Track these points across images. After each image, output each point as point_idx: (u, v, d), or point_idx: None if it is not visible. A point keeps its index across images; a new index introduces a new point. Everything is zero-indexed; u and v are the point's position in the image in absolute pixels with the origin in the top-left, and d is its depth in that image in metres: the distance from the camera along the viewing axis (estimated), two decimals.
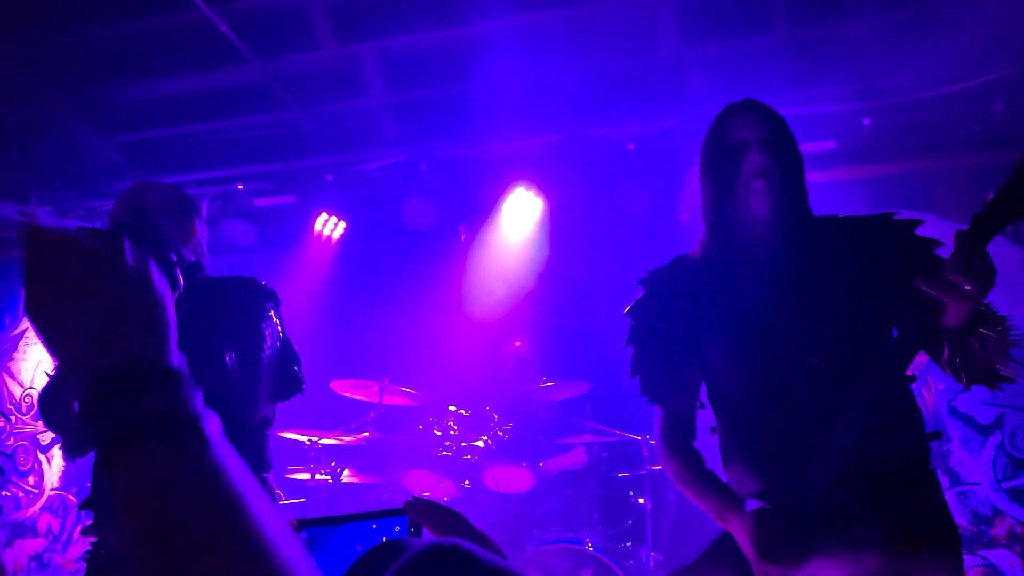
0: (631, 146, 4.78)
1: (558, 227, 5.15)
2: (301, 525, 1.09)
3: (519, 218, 5.20)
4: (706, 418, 2.02)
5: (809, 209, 1.89)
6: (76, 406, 0.72)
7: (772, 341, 1.81)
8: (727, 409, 1.94)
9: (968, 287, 1.47)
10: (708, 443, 2.00)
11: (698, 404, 2.01)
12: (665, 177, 4.62)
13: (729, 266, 1.91)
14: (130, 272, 0.75)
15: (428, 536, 1.05)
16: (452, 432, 4.38)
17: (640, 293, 2.08)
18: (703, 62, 4.50)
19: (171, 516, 0.66)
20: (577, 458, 4.32)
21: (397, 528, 1.11)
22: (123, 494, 0.67)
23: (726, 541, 1.77)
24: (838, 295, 1.78)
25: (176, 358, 0.75)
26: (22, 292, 0.74)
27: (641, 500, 4.14)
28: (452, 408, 4.49)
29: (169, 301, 0.77)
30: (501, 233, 5.26)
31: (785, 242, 1.83)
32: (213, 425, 0.72)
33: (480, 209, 5.30)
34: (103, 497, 2.07)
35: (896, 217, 1.84)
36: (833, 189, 3.93)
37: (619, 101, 4.64)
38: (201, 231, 2.34)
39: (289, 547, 0.68)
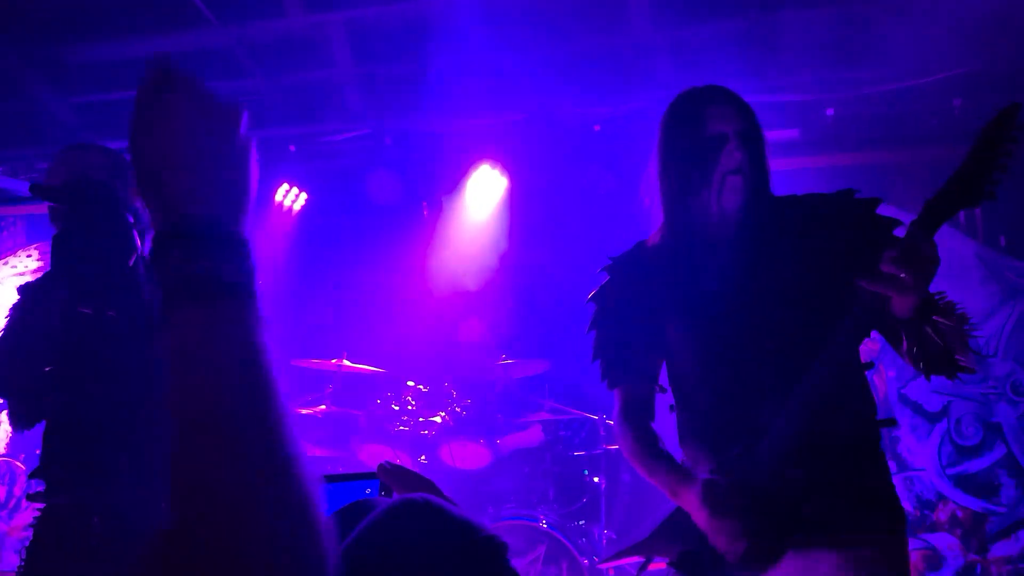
0: (597, 127, 4.79)
1: (521, 206, 5.15)
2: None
3: (483, 195, 5.19)
4: (666, 398, 2.05)
5: (771, 194, 1.91)
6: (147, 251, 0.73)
7: (728, 324, 1.83)
8: (684, 390, 1.97)
9: (904, 275, 1.48)
10: (666, 422, 2.02)
11: (657, 388, 2.04)
12: (631, 160, 4.63)
13: (689, 252, 1.92)
14: (241, 142, 0.77)
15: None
16: (410, 407, 4.39)
17: (603, 279, 2.09)
18: (672, 45, 4.50)
19: (207, 368, 0.69)
20: (534, 436, 4.34)
21: (368, 491, 1.12)
22: (171, 341, 0.70)
23: (677, 517, 1.80)
24: (795, 278, 1.80)
25: (248, 230, 0.77)
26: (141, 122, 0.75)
27: (596, 479, 4.19)
28: (411, 383, 4.49)
29: (255, 177, 0.79)
30: (464, 210, 5.25)
31: (747, 228, 1.85)
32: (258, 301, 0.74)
33: (444, 185, 5.27)
34: (53, 465, 2.04)
35: (857, 196, 1.85)
36: (795, 176, 3.97)
37: (587, 81, 4.63)
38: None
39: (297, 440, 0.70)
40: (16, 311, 2.09)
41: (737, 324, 1.82)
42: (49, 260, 1.97)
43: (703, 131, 1.83)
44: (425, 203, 5.31)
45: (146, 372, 1.93)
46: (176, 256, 0.71)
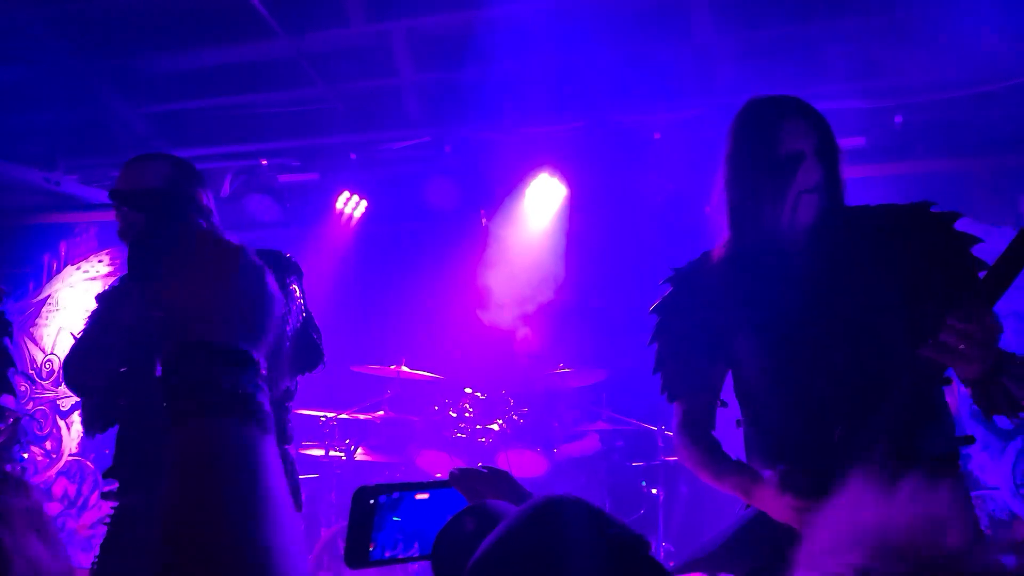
0: (657, 135, 4.74)
1: (580, 214, 5.13)
2: (377, 490, 1.10)
3: (541, 203, 5.19)
4: (729, 412, 2.02)
5: (844, 206, 1.86)
6: (159, 368, 0.78)
7: (802, 341, 1.79)
8: (753, 406, 1.93)
9: (964, 347, 1.44)
10: (728, 438, 1.99)
11: (718, 402, 2.01)
12: (690, 167, 4.58)
13: (759, 265, 1.89)
14: (250, 270, 0.84)
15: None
16: (467, 414, 4.39)
17: (666, 290, 2.07)
18: (735, 50, 4.44)
19: (204, 484, 0.72)
20: (591, 445, 4.32)
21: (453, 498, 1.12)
22: (176, 453, 0.74)
23: (745, 531, 1.77)
24: (868, 294, 1.76)
25: (264, 354, 0.82)
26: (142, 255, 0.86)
27: (654, 490, 4.15)
28: (468, 391, 4.50)
29: (277, 304, 0.86)
30: (523, 218, 5.25)
31: (820, 242, 1.80)
32: (269, 421, 0.78)
33: (502, 193, 5.28)
34: (127, 464, 2.09)
35: (933, 209, 1.79)
36: (862, 185, 3.87)
37: (647, 88, 4.59)
38: (209, 202, 2.33)
39: (296, 557, 0.72)
40: (93, 315, 2.15)
41: (811, 341, 1.78)
42: (124, 265, 2.03)
43: (778, 147, 1.78)
44: (483, 211, 5.33)
45: None
46: (183, 374, 0.76)
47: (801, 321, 1.79)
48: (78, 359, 2.09)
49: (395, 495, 1.11)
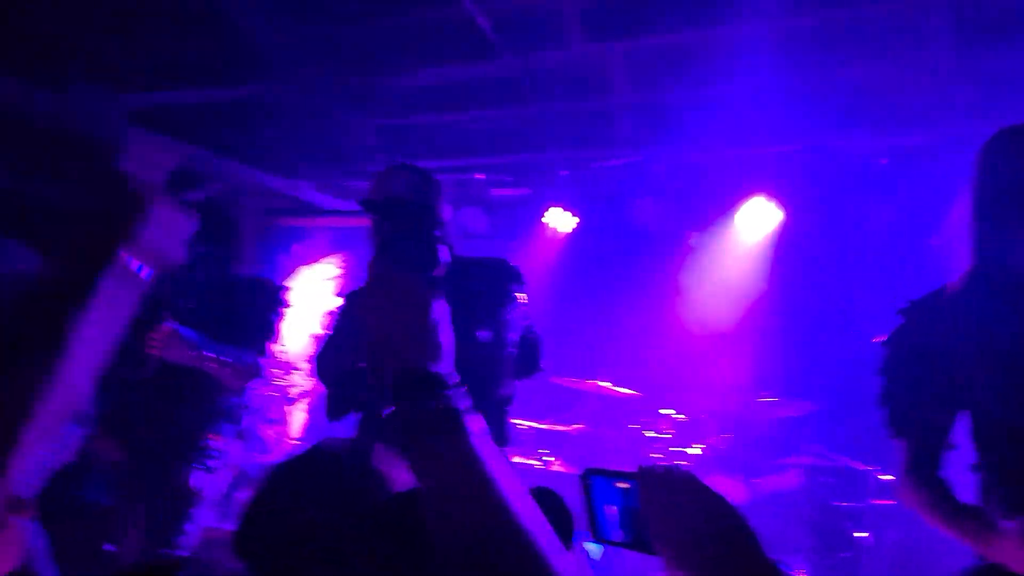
0: (884, 161, 4.50)
1: (794, 240, 4.95)
2: (588, 473, 1.20)
3: (753, 227, 5.06)
4: (960, 455, 1.90)
5: None
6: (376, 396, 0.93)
7: None
8: (995, 452, 1.80)
9: None
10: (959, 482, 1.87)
11: (948, 444, 1.89)
12: (922, 196, 4.31)
13: (1007, 303, 1.76)
14: (420, 302, 0.96)
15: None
16: (666, 435, 4.36)
17: (899, 322, 1.97)
18: (974, 73, 4.14)
19: (446, 490, 0.85)
20: (792, 480, 4.16)
21: (627, 487, 1.17)
22: (415, 468, 0.88)
23: None
24: None
25: (450, 369, 0.95)
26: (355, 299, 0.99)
27: (861, 534, 3.92)
28: (668, 411, 4.46)
29: (449, 328, 0.98)
30: (732, 241, 5.15)
31: None
32: (476, 423, 0.89)
33: (712, 214, 5.21)
34: None
35: None
36: None
37: (875, 111, 4.37)
38: (447, 213, 2.48)
39: (543, 533, 0.83)
40: (341, 314, 2.36)
41: None
42: (361, 266, 2.21)
43: None
44: (692, 231, 5.28)
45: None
46: (404, 402, 0.89)
47: None
48: (327, 354, 2.29)
49: (607, 480, 1.19)
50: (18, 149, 4.04)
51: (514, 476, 0.87)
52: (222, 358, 2.51)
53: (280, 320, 2.88)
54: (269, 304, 2.81)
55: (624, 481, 1.17)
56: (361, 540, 0.94)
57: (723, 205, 5.12)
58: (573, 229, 5.60)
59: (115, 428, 2.59)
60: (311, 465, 1.05)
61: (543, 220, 5.57)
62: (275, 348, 2.90)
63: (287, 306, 2.89)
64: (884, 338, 2.00)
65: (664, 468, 1.14)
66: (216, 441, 2.69)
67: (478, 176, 5.64)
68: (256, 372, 2.68)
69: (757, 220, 5.01)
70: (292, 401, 5.86)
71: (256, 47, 4.53)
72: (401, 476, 1.04)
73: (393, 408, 0.89)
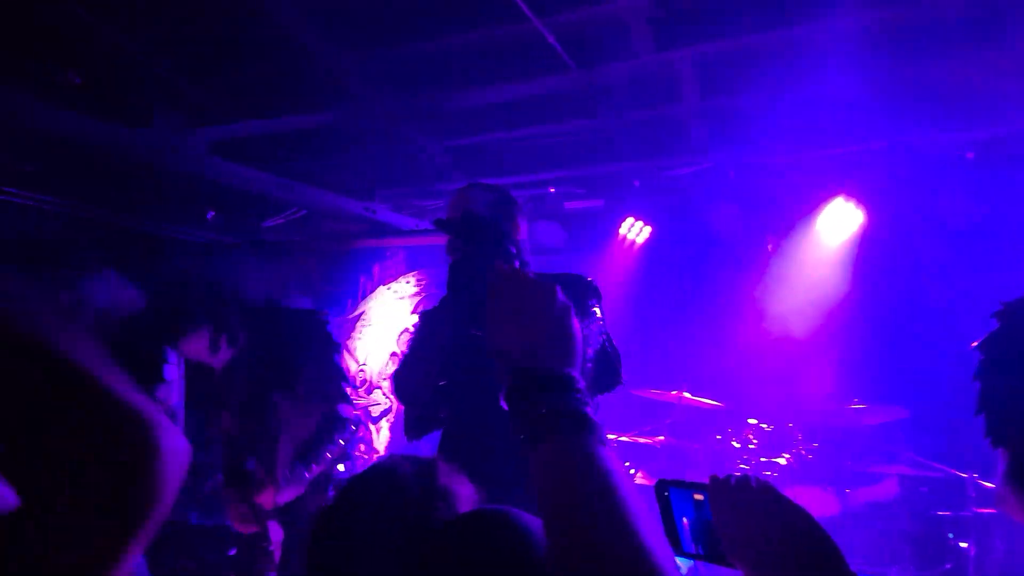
0: (970, 155, 4.33)
1: (877, 241, 4.80)
2: (662, 484, 1.18)
3: (834, 230, 4.93)
4: None
5: None
6: (503, 397, 0.94)
7: None
8: None
9: None
10: None
11: None
12: (1008, 191, 4.13)
13: None
14: (559, 307, 1.00)
15: None
16: (751, 446, 4.27)
17: (994, 325, 1.89)
18: None
19: (569, 488, 0.84)
20: (888, 489, 4.02)
21: (701, 498, 1.15)
22: (537, 470, 0.87)
23: None
24: None
25: (579, 371, 0.96)
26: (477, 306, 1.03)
27: (963, 544, 3.76)
28: (752, 421, 4.37)
29: (578, 330, 1.00)
30: (812, 244, 5.02)
31: None
32: (603, 434, 0.90)
33: (790, 218, 5.09)
34: None
35: None
36: None
37: (958, 103, 4.21)
38: (524, 229, 2.49)
39: (652, 531, 0.82)
40: (418, 332, 2.39)
41: None
42: (439, 285, 2.24)
43: None
44: (770, 237, 5.17)
45: None
46: (526, 402, 0.90)
47: None
48: (405, 373, 2.32)
49: (683, 492, 1.17)
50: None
51: (631, 479, 0.89)
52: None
53: (340, 355, 3.01)
54: (323, 348, 2.94)
55: (699, 492, 1.16)
56: (425, 558, 0.94)
57: (802, 208, 5.00)
58: (648, 239, 5.56)
59: None
60: (376, 482, 1.07)
61: (618, 231, 5.54)
62: (356, 368, 2.97)
63: (338, 340, 3.03)
64: (979, 342, 1.92)
65: (737, 479, 1.12)
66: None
67: (551, 190, 5.65)
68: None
69: (838, 222, 4.88)
70: (375, 420, 5.96)
71: (329, 72, 4.64)
72: (465, 493, 1.05)
73: (519, 406, 0.91)
